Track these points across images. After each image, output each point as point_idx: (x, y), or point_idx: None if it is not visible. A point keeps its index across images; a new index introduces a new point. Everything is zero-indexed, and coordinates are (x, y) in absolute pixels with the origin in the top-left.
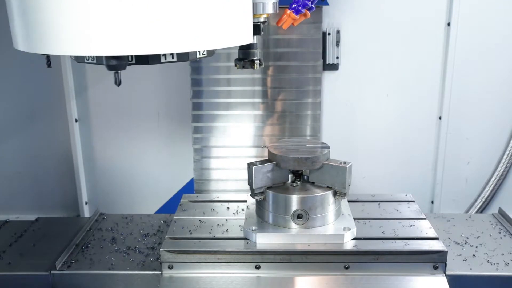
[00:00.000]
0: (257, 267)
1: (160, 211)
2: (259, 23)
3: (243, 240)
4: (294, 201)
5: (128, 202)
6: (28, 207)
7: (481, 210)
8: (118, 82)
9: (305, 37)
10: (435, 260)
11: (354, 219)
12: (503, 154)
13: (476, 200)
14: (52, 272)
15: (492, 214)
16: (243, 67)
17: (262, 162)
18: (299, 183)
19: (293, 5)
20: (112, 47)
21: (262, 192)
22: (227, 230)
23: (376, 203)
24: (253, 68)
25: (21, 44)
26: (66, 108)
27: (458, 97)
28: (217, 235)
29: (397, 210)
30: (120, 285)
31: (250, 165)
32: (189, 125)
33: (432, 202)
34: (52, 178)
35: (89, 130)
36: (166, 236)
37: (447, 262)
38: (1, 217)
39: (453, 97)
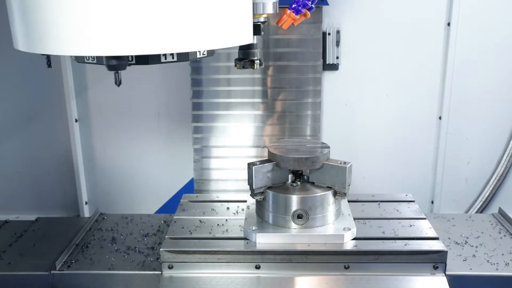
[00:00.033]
0: (257, 267)
1: (160, 211)
2: (259, 23)
3: (243, 240)
4: (294, 201)
5: (128, 202)
6: (28, 207)
7: (481, 210)
8: (118, 82)
9: (305, 37)
10: (435, 260)
11: (354, 219)
12: (503, 154)
13: (476, 200)
14: (52, 272)
15: (492, 214)
16: (243, 67)
17: (262, 162)
18: (299, 183)
19: (293, 5)
20: (112, 47)
21: (262, 192)
22: (227, 230)
23: (376, 203)
24: (253, 68)
25: (21, 44)
26: (66, 108)
27: (458, 97)
28: (217, 235)
29: (397, 210)
30: (120, 285)
31: (250, 165)
32: (189, 125)
33: (432, 202)
34: (52, 178)
35: (89, 130)
36: (166, 236)
37: (447, 262)
38: (1, 217)
39: (453, 97)
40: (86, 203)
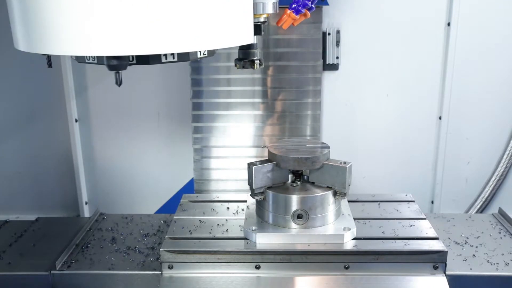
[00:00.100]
0: (257, 267)
1: (160, 211)
2: (259, 23)
3: (243, 240)
4: (294, 201)
5: (128, 202)
6: (28, 207)
7: (481, 210)
8: (119, 82)
9: (305, 37)
10: (435, 260)
11: (354, 219)
12: (503, 154)
13: (476, 200)
14: (52, 272)
15: (492, 214)
16: (243, 67)
17: (262, 162)
18: (299, 183)
19: (293, 5)
20: (113, 47)
21: (262, 192)
22: (227, 230)
23: (376, 203)
24: (253, 68)
25: (21, 44)
26: (66, 108)
27: (458, 97)
28: (217, 235)
29: (397, 210)
30: (120, 285)
31: (250, 165)
32: (189, 125)
33: (432, 202)
34: (52, 178)
35: (89, 130)
36: (166, 236)
37: (447, 262)
38: (1, 217)
39: (453, 97)
40: (86, 203)
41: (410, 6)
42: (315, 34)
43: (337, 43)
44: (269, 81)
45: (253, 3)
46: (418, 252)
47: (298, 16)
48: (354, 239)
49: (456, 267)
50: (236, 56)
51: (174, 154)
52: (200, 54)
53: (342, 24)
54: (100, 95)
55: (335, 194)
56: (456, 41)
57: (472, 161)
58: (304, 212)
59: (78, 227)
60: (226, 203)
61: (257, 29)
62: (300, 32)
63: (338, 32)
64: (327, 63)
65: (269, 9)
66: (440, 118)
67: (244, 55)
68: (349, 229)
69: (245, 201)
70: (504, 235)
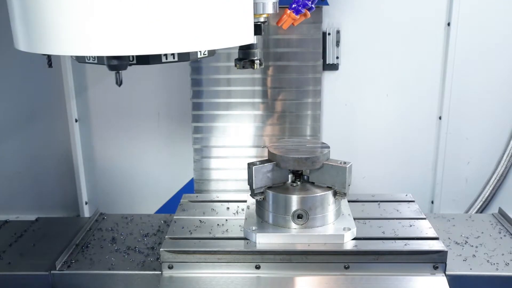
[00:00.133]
0: (257, 267)
1: (160, 211)
2: (259, 23)
3: (243, 240)
4: (294, 201)
5: (128, 202)
6: (28, 207)
7: (481, 210)
8: (119, 82)
9: (305, 37)
10: (435, 260)
11: (354, 219)
12: (503, 154)
13: (476, 200)
14: (52, 272)
15: (492, 214)
16: (243, 67)
17: (262, 162)
18: (299, 183)
19: (293, 5)
20: (113, 47)
21: (262, 192)
22: (227, 230)
23: (376, 203)
24: (253, 68)
25: (21, 44)
26: (66, 108)
27: (458, 97)
28: (217, 235)
29: (397, 210)
30: (120, 285)
31: (250, 165)
32: (189, 125)
33: (432, 202)
34: (52, 178)
35: (89, 130)
36: (166, 236)
37: (447, 262)
38: (1, 217)
39: (453, 97)
40: (86, 203)
41: (410, 6)
42: (315, 34)
43: (337, 43)
44: (269, 81)
45: (253, 3)
46: (418, 252)
47: (298, 16)
48: (354, 239)
49: (456, 267)
50: (236, 56)
51: (174, 154)
52: (200, 54)
53: (342, 24)
54: (100, 95)
55: (335, 194)
56: (456, 41)
57: (472, 161)
58: (304, 212)
59: (78, 227)
60: (226, 203)
61: (257, 29)
62: (300, 32)
63: (338, 32)
64: (327, 63)
65: (269, 9)
66: (440, 118)
67: (244, 55)
68: (349, 229)
69: (245, 201)
70: (504, 235)
